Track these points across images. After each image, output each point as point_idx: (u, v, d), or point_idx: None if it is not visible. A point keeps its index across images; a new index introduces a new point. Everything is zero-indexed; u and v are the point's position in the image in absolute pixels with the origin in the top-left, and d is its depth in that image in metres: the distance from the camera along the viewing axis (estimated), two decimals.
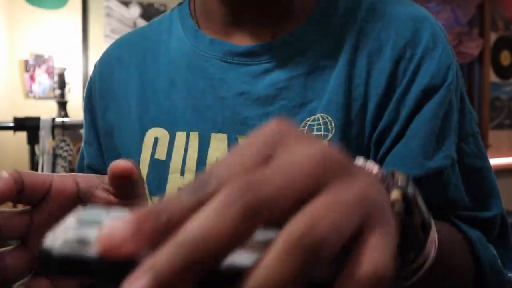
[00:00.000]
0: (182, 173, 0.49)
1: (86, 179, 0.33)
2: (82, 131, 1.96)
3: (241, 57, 0.48)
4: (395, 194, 0.26)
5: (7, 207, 0.31)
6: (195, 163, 0.48)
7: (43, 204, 0.31)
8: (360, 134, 0.45)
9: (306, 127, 0.45)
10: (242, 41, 0.49)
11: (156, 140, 0.50)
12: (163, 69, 0.53)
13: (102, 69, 0.57)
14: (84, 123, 0.59)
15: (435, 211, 0.43)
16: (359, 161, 0.28)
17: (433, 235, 0.30)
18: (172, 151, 0.49)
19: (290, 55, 0.47)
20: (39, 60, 2.38)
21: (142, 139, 0.51)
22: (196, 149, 0.48)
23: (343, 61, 0.46)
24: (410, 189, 0.27)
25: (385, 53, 0.46)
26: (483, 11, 3.03)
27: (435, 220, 0.41)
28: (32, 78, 2.37)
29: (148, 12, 2.58)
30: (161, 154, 0.50)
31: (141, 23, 2.56)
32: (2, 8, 2.31)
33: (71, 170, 1.58)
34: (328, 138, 0.44)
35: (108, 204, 0.32)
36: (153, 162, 0.50)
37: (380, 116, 0.45)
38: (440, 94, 0.44)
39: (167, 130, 0.50)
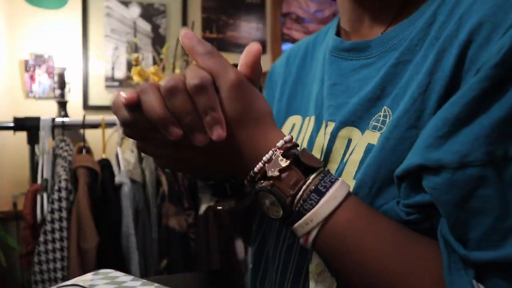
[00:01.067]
0: None
1: None
2: (82, 131, 1.94)
3: (345, 52, 0.53)
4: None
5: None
6: (305, 144, 0.55)
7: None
8: (414, 127, 0.40)
9: (373, 121, 0.45)
10: (362, 36, 0.53)
11: (293, 126, 0.60)
12: (313, 67, 0.61)
13: (274, 67, 0.71)
14: None
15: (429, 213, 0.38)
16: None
17: (328, 196, 0.37)
18: (299, 133, 0.58)
19: (385, 51, 0.48)
20: (39, 60, 2.38)
21: (283, 123, 0.62)
22: (310, 131, 0.56)
23: (420, 55, 0.43)
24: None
25: (458, 38, 0.39)
26: None
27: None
28: (32, 78, 2.37)
29: (148, 12, 2.58)
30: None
31: (141, 23, 2.56)
32: (2, 8, 2.31)
33: (71, 170, 1.58)
34: (381, 131, 0.43)
35: None
36: None
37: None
38: (481, 76, 0.34)
39: (301, 116, 0.59)
